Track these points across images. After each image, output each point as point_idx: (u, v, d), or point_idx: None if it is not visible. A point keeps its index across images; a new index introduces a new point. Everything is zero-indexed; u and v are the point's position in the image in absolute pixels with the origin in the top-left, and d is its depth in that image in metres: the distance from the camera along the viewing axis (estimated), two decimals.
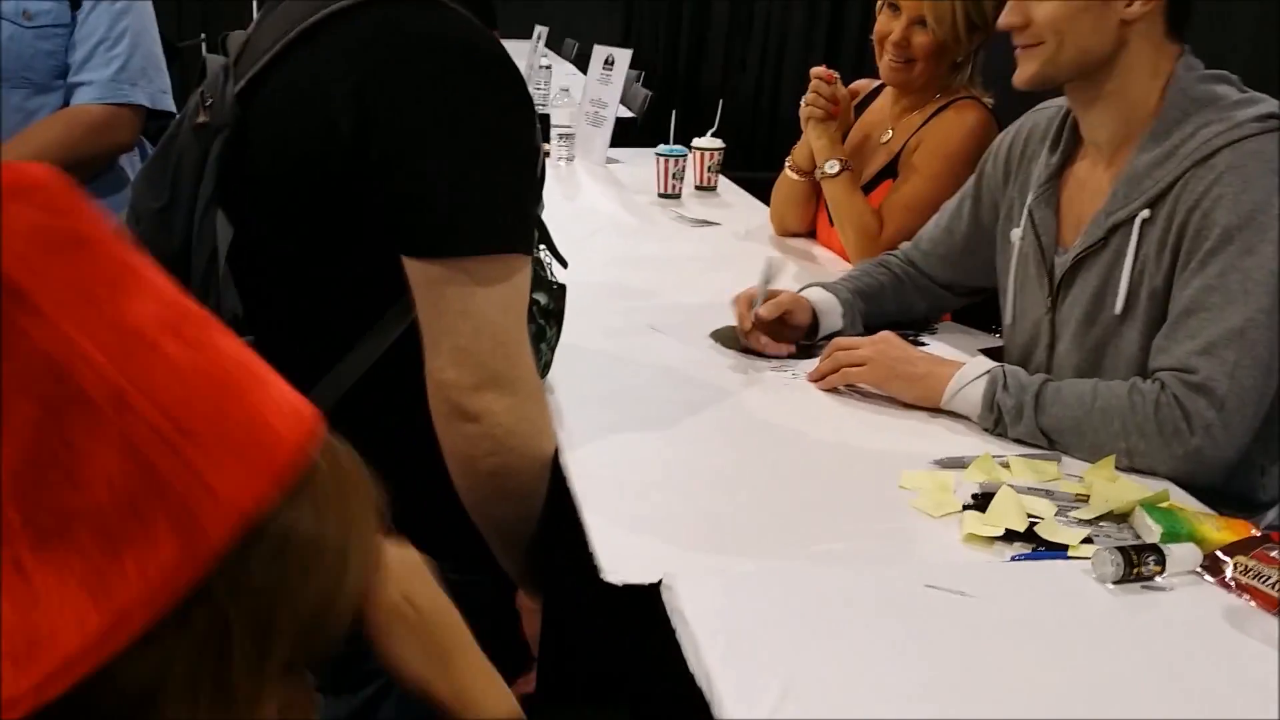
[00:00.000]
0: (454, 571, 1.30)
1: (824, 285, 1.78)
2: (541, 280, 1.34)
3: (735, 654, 0.93)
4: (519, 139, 1.12)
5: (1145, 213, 1.41)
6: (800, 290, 1.76)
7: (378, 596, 0.59)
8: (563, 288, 1.39)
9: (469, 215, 1.09)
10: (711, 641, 0.94)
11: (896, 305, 1.82)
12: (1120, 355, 1.46)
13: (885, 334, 1.58)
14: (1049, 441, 1.38)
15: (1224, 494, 1.33)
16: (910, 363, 1.51)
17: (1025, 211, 1.60)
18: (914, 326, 1.83)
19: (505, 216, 1.11)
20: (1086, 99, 1.49)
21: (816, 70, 2.18)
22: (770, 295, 1.69)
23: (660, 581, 1.04)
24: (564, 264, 1.38)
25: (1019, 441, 1.39)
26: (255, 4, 7.25)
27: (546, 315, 1.38)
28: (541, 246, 1.33)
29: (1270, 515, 1.50)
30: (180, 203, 1.17)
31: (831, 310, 1.73)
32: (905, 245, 1.87)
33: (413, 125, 1.06)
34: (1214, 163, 1.36)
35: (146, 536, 0.44)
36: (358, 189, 1.09)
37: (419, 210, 1.08)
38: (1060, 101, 1.60)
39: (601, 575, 1.07)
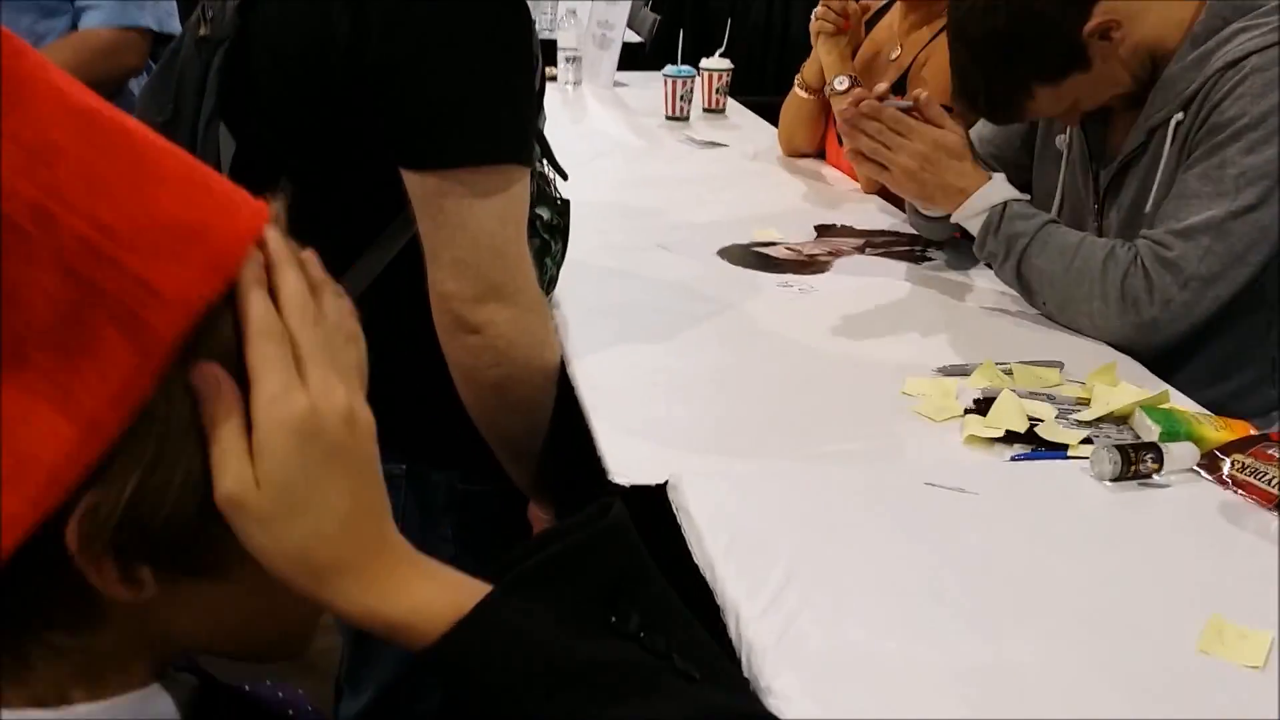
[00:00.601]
0: (463, 482, 1.34)
1: None
2: (545, 195, 1.35)
3: (739, 545, 0.95)
4: (516, 49, 1.11)
5: (1179, 115, 1.43)
6: None
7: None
8: (566, 203, 1.39)
9: (465, 126, 1.09)
10: (715, 534, 0.97)
11: None
12: None
13: (933, 139, 1.54)
14: (1024, 288, 1.48)
15: (1235, 409, 1.34)
16: (947, 176, 1.53)
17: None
18: (917, 242, 1.83)
19: (502, 127, 1.11)
20: None
21: None
22: None
23: (666, 482, 1.06)
24: (564, 176, 1.38)
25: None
26: None
27: (551, 230, 1.38)
28: (543, 160, 1.34)
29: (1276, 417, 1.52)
30: (184, 117, 1.17)
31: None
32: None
33: (410, 33, 1.06)
34: (1242, 65, 1.38)
35: (98, 345, 0.45)
36: (355, 98, 1.09)
37: (415, 120, 1.08)
38: None
39: (609, 478, 1.10)
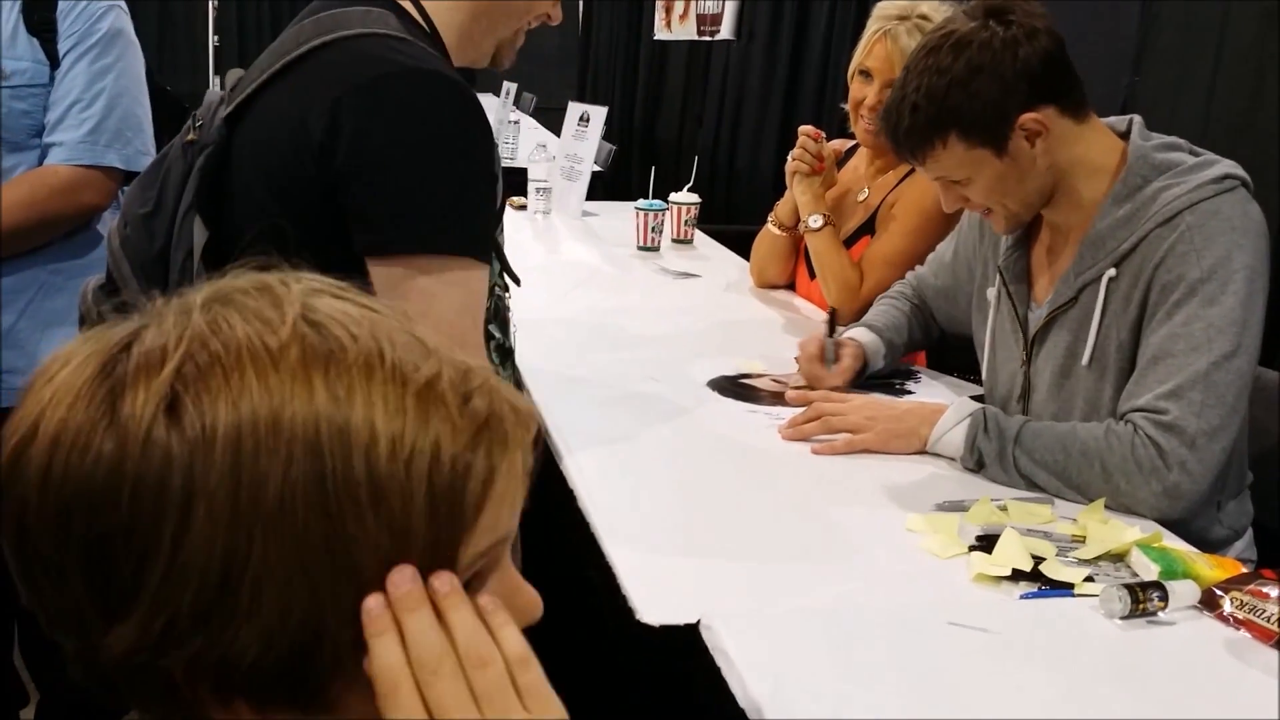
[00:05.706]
0: None
1: (869, 326, 1.88)
2: (500, 315, 1.38)
3: (782, 691, 0.98)
4: (476, 159, 1.20)
5: (1112, 271, 1.50)
6: (847, 333, 1.85)
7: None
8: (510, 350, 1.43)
9: (426, 217, 1.17)
10: (757, 679, 0.99)
11: (916, 334, 1.93)
12: (1093, 405, 1.54)
13: (866, 397, 1.67)
14: (1028, 484, 1.46)
15: (1185, 531, 1.40)
16: (900, 419, 1.59)
17: (997, 272, 1.69)
18: (898, 375, 1.91)
19: (461, 223, 1.19)
20: (1048, 205, 1.58)
21: (804, 129, 2.27)
22: (837, 346, 1.79)
23: (699, 621, 1.09)
24: (518, 282, 1.42)
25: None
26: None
27: (503, 353, 1.41)
28: (500, 274, 1.38)
29: (1237, 548, 1.59)
30: (164, 209, 1.26)
31: (877, 353, 1.84)
32: (911, 277, 1.97)
33: (379, 136, 1.15)
34: (1176, 223, 1.44)
35: None
36: (325, 191, 1.17)
37: (380, 212, 1.16)
38: None
39: (637, 617, 1.12)
